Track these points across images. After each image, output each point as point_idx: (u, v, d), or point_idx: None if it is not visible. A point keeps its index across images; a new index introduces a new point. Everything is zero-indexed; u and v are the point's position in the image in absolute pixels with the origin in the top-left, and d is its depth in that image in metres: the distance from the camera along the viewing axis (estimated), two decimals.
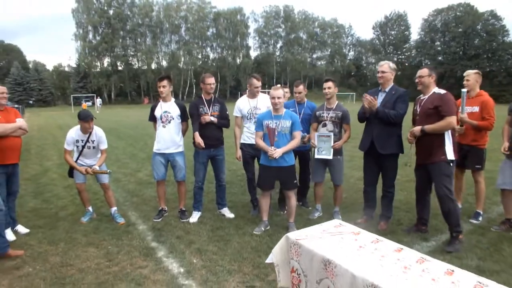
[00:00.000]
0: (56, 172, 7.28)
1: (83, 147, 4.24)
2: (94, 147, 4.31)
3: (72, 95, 46.70)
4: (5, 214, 3.54)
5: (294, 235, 2.15)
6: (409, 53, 70.27)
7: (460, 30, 60.35)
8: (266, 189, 4.04)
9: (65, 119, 24.90)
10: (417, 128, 3.55)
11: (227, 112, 4.45)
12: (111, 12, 60.49)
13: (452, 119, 3.43)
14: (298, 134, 3.86)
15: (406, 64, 66.86)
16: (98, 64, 61.48)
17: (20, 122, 3.87)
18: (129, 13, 61.97)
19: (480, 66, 58.34)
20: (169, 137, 4.35)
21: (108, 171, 4.37)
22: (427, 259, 1.77)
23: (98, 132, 4.30)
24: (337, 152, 4.28)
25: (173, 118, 4.34)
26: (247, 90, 4.58)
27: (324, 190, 4.70)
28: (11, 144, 3.79)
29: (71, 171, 4.40)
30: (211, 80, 4.32)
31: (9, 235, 3.78)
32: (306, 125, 4.49)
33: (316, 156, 4.30)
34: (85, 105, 35.79)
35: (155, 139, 4.48)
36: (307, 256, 1.98)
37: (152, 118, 4.46)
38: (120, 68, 62.01)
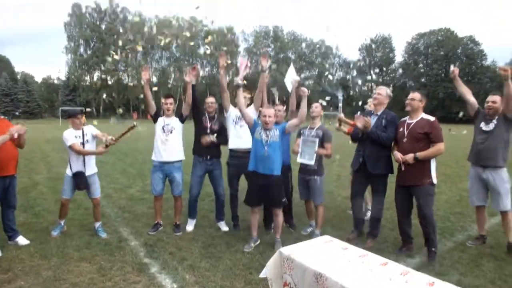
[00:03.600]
0: (46, 186, 7.23)
1: (82, 143, 4.30)
2: (91, 141, 4.43)
3: (60, 108, 46.25)
4: None
5: (286, 250, 2.28)
6: (394, 74, 72.37)
7: (441, 53, 62.85)
8: (254, 206, 4.18)
9: (53, 132, 24.58)
10: (410, 156, 3.68)
11: (226, 132, 4.72)
12: (103, 26, 60.92)
13: (442, 146, 3.66)
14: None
15: (391, 85, 68.69)
16: (88, 78, 61.43)
17: (13, 129, 3.70)
18: (121, 28, 62.40)
19: None
20: (170, 147, 4.56)
21: (134, 123, 4.46)
22: (410, 271, 1.93)
23: (90, 129, 4.46)
24: (314, 172, 4.38)
25: (174, 128, 4.59)
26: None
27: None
28: (7, 155, 3.81)
29: (77, 182, 4.31)
30: (210, 99, 4.76)
31: None
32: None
33: (298, 160, 4.40)
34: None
35: (153, 151, 4.63)
36: (299, 270, 2.10)
37: (154, 118, 4.69)
38: (110, 82, 61.96)
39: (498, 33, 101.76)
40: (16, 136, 3.75)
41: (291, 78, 4.68)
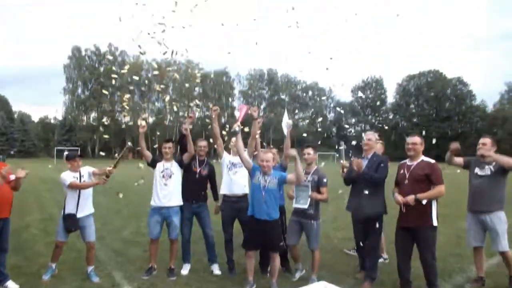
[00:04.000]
0: (38, 227, 7.08)
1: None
2: (88, 181, 4.45)
3: (56, 148, 46.23)
4: None
5: None
6: (386, 115, 73.96)
7: (432, 94, 64.87)
8: (251, 250, 4.13)
9: (48, 172, 24.34)
10: (411, 198, 3.71)
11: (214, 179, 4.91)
12: (101, 69, 62.68)
13: (442, 188, 3.73)
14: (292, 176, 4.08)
15: (384, 125, 70.05)
16: (85, 118, 62.18)
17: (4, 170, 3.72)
18: (119, 70, 64.09)
19: (452, 127, 61.90)
20: (169, 192, 4.58)
21: (128, 143, 4.48)
22: None
23: (86, 169, 4.51)
24: (311, 217, 4.32)
25: (173, 173, 4.62)
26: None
27: (305, 252, 4.67)
28: (1, 198, 3.80)
29: (67, 224, 4.26)
30: (202, 143, 4.82)
31: None
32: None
33: (294, 205, 4.40)
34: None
35: (152, 196, 4.63)
36: None
37: (152, 164, 4.72)
38: (106, 123, 62.53)
39: (485, 74, 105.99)
40: (12, 178, 3.79)
41: (285, 122, 4.84)
